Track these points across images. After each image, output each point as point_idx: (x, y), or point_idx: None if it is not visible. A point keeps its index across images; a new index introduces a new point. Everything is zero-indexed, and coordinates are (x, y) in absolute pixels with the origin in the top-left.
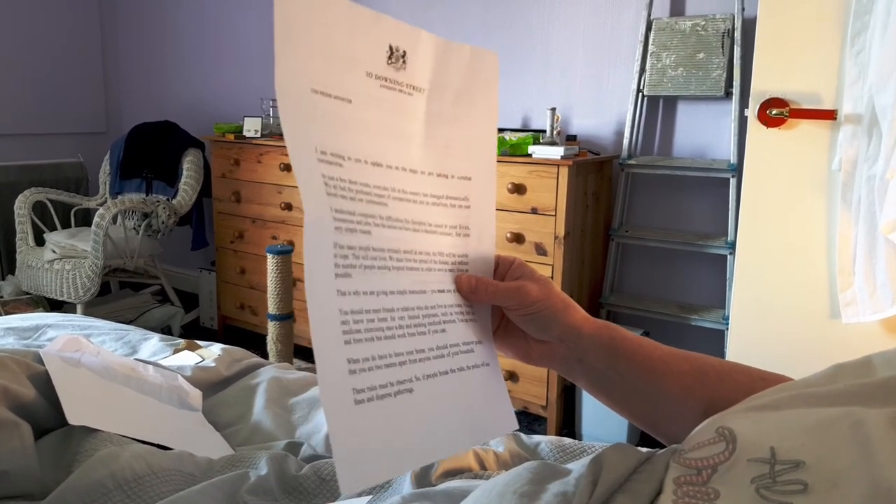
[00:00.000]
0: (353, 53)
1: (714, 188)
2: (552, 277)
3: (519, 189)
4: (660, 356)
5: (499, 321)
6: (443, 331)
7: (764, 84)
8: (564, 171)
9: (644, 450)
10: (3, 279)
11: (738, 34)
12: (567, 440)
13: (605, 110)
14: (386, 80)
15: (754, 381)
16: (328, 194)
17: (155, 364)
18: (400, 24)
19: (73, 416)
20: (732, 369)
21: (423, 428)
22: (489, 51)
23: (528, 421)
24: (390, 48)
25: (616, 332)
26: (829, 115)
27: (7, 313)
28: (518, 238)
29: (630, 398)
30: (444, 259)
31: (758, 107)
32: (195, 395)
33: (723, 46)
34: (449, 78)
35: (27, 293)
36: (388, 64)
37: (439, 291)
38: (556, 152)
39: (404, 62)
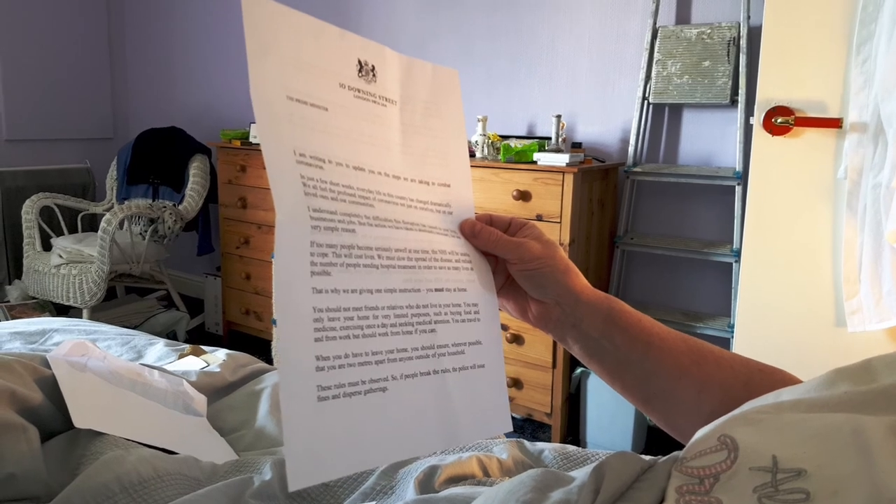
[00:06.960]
0: (324, 65)
1: (719, 196)
2: None
3: (524, 196)
4: (658, 333)
5: (505, 277)
6: (432, 331)
7: (769, 92)
8: (570, 179)
9: (647, 458)
10: (10, 283)
11: (743, 42)
12: (571, 448)
13: (610, 118)
14: (359, 91)
15: (752, 372)
16: (306, 194)
17: (160, 369)
18: (364, 40)
19: (80, 420)
20: (731, 357)
21: (390, 427)
22: (449, 68)
23: (533, 428)
24: (359, 62)
25: (615, 304)
26: (835, 123)
27: (14, 318)
28: None
29: (623, 371)
30: (447, 257)
31: (763, 115)
32: (200, 400)
33: (728, 54)
34: (416, 92)
35: (33, 298)
36: (359, 77)
37: (436, 290)
38: (562, 159)
39: (374, 76)
